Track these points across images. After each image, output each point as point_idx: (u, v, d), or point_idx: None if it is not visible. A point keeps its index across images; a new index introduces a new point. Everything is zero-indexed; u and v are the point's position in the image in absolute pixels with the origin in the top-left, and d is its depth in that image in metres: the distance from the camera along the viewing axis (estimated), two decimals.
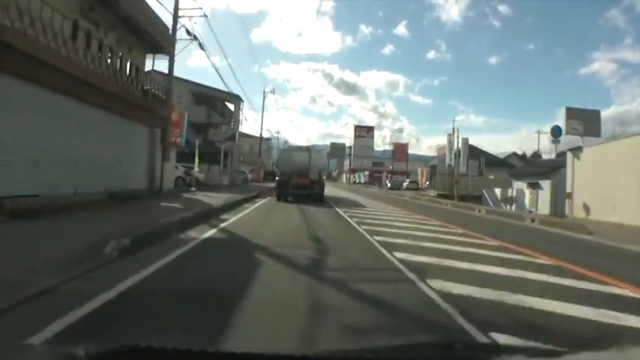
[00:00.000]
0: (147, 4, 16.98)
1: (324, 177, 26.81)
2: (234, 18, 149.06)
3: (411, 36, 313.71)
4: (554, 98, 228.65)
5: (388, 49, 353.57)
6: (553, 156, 30.24)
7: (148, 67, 19.58)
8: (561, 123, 26.21)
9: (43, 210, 8.97)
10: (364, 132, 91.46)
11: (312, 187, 20.14)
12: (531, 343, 3.23)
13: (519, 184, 27.34)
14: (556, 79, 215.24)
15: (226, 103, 40.64)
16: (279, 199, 19.91)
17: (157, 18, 18.01)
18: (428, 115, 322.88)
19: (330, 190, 30.17)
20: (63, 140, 11.10)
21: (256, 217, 13.08)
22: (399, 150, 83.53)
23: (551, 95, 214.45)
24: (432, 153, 67.04)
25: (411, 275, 5.62)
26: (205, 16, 21.81)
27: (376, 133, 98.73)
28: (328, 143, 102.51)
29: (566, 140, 26.41)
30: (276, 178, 23.14)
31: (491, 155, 51.55)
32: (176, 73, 19.09)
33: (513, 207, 25.59)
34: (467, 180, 34.08)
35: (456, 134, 37.21)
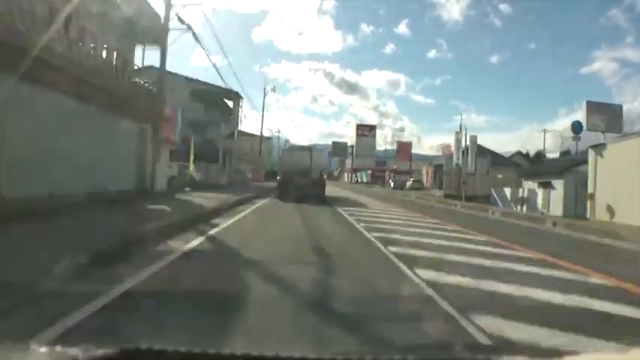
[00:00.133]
0: None
1: (325, 176, 27.02)
2: (235, 17, 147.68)
3: (412, 35, 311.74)
4: (555, 97, 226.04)
5: (389, 49, 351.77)
6: (557, 155, 28.96)
7: (142, 62, 18.29)
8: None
9: (4, 215, 7.61)
10: (366, 131, 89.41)
11: (314, 187, 20.17)
12: None
13: (530, 184, 25.98)
14: (558, 78, 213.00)
15: (225, 100, 39.34)
16: (280, 199, 20.00)
17: (146, 2, 16.66)
18: (429, 114, 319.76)
19: (331, 189, 28.81)
20: (35, 135, 9.74)
21: (252, 222, 11.76)
22: (403, 149, 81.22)
23: (552, 94, 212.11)
24: (434, 152, 65.75)
25: (451, 310, 4.11)
26: (200, 4, 20.47)
27: (378, 132, 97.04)
28: (329, 143, 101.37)
29: (577, 138, 25.08)
30: (278, 177, 23.59)
31: (496, 154, 50.19)
32: (176, 71, 17.83)
33: (524, 208, 24.31)
34: (474, 179, 32.77)
35: (463, 132, 35.80)
